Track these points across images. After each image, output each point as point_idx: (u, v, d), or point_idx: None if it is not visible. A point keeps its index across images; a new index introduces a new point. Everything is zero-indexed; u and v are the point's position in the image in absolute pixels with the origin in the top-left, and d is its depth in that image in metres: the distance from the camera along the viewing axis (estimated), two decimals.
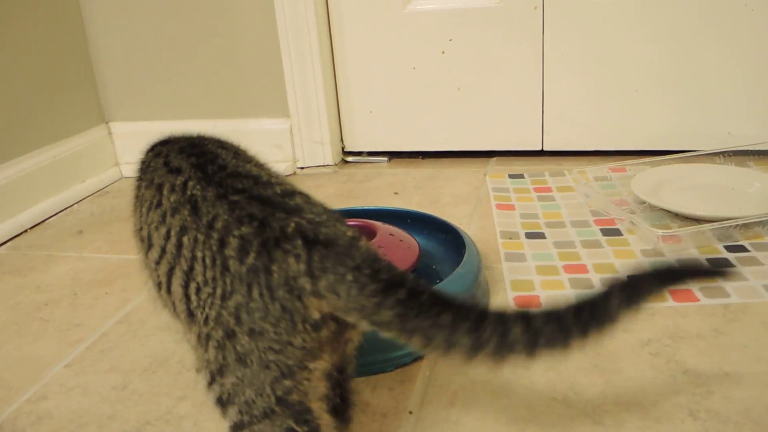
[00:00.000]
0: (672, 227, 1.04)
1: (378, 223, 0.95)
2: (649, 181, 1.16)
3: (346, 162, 1.55)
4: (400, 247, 0.90)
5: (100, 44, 1.56)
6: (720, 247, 0.98)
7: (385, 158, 1.54)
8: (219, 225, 0.53)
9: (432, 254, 0.98)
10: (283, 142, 1.51)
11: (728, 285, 0.87)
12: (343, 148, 1.55)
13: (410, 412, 0.68)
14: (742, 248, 0.97)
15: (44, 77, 1.43)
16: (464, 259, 0.86)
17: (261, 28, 1.45)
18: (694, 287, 0.87)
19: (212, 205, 0.54)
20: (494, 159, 1.47)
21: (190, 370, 0.79)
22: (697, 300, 0.84)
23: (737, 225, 0.99)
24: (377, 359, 0.75)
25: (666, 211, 1.09)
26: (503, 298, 0.88)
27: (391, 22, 1.42)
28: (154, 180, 0.61)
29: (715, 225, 0.98)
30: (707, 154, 1.25)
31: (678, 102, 1.34)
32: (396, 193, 1.32)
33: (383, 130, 1.51)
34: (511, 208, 1.18)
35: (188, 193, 0.57)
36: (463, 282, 0.83)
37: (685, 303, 0.84)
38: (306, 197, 0.57)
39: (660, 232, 0.97)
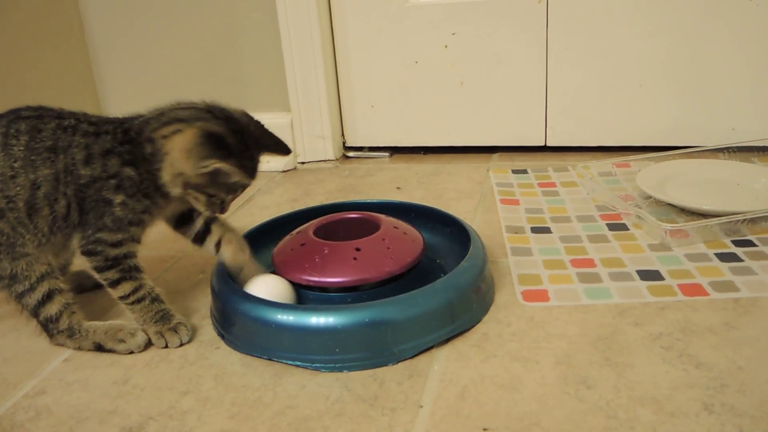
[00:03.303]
0: (678, 222, 1.03)
1: (382, 216, 0.94)
2: (654, 177, 1.16)
3: (347, 157, 1.53)
4: (404, 240, 0.88)
5: (98, 41, 1.54)
6: (727, 241, 0.97)
7: (387, 153, 1.52)
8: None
9: (436, 248, 0.97)
10: (284, 137, 1.48)
11: (738, 279, 0.86)
12: (344, 143, 1.54)
13: (421, 406, 0.67)
14: (749, 243, 0.96)
15: (43, 79, 1.41)
16: (469, 252, 0.85)
17: (262, 21, 1.44)
18: (704, 281, 0.86)
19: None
20: (497, 154, 1.46)
21: (193, 365, 0.77)
22: (707, 294, 0.83)
23: (744, 220, 0.98)
24: (379, 353, 0.73)
25: (672, 206, 1.08)
26: (510, 292, 0.87)
27: (393, 15, 1.41)
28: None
29: (723, 219, 0.97)
30: (711, 150, 1.24)
31: (682, 97, 1.33)
32: (399, 188, 1.30)
33: (385, 125, 1.50)
34: (516, 203, 1.16)
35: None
36: (468, 275, 0.81)
37: (695, 297, 0.83)
38: None
39: (668, 226, 0.96)
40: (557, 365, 0.71)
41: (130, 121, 0.83)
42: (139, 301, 0.81)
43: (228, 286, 0.82)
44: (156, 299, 0.82)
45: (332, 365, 0.73)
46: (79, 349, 0.82)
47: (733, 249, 0.94)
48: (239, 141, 0.79)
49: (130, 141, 0.80)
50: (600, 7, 1.31)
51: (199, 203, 0.81)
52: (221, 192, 0.80)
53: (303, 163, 1.50)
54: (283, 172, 1.47)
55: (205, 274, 1.00)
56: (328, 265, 0.82)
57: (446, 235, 0.99)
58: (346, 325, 0.72)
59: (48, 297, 0.81)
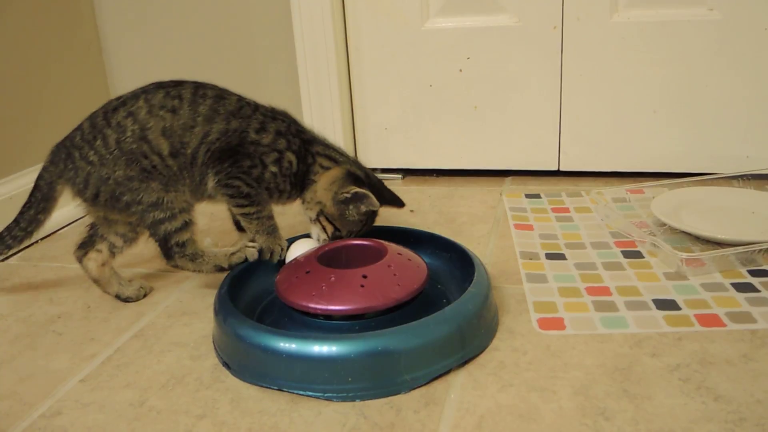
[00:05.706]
0: (693, 250, 1.03)
1: (387, 243, 0.93)
2: (669, 204, 1.16)
3: None
4: (409, 267, 0.88)
5: (114, 61, 1.56)
6: (743, 271, 0.96)
7: (399, 175, 1.53)
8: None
9: (437, 273, 0.97)
10: None
11: (755, 310, 0.86)
12: None
13: None
14: (765, 273, 0.95)
15: (54, 81, 1.43)
16: (474, 278, 0.85)
17: (277, 44, 1.45)
18: (720, 312, 0.86)
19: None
20: (509, 178, 1.46)
21: (209, 388, 0.77)
22: (724, 325, 0.83)
23: (760, 250, 0.97)
24: (391, 381, 0.73)
25: (686, 233, 1.08)
26: (526, 319, 0.87)
27: (408, 39, 1.42)
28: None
29: (739, 249, 0.96)
30: (725, 177, 1.24)
31: (696, 124, 1.33)
32: (412, 211, 1.31)
33: (398, 147, 1.50)
34: (530, 228, 1.16)
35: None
36: (475, 301, 0.81)
37: (711, 327, 0.82)
38: None
39: (684, 255, 0.96)
40: (575, 396, 0.71)
41: (299, 125, 1.00)
42: (257, 219, 0.96)
43: (232, 313, 0.81)
44: (269, 218, 0.98)
45: (344, 395, 0.72)
46: (199, 272, 0.95)
47: (749, 279, 0.94)
48: (371, 185, 0.99)
49: (302, 140, 0.97)
50: (615, 34, 1.32)
51: (323, 232, 0.98)
52: (344, 227, 0.97)
53: None
54: None
55: None
56: (334, 292, 0.82)
57: (446, 260, 0.98)
58: (359, 354, 0.72)
59: (184, 226, 0.93)
